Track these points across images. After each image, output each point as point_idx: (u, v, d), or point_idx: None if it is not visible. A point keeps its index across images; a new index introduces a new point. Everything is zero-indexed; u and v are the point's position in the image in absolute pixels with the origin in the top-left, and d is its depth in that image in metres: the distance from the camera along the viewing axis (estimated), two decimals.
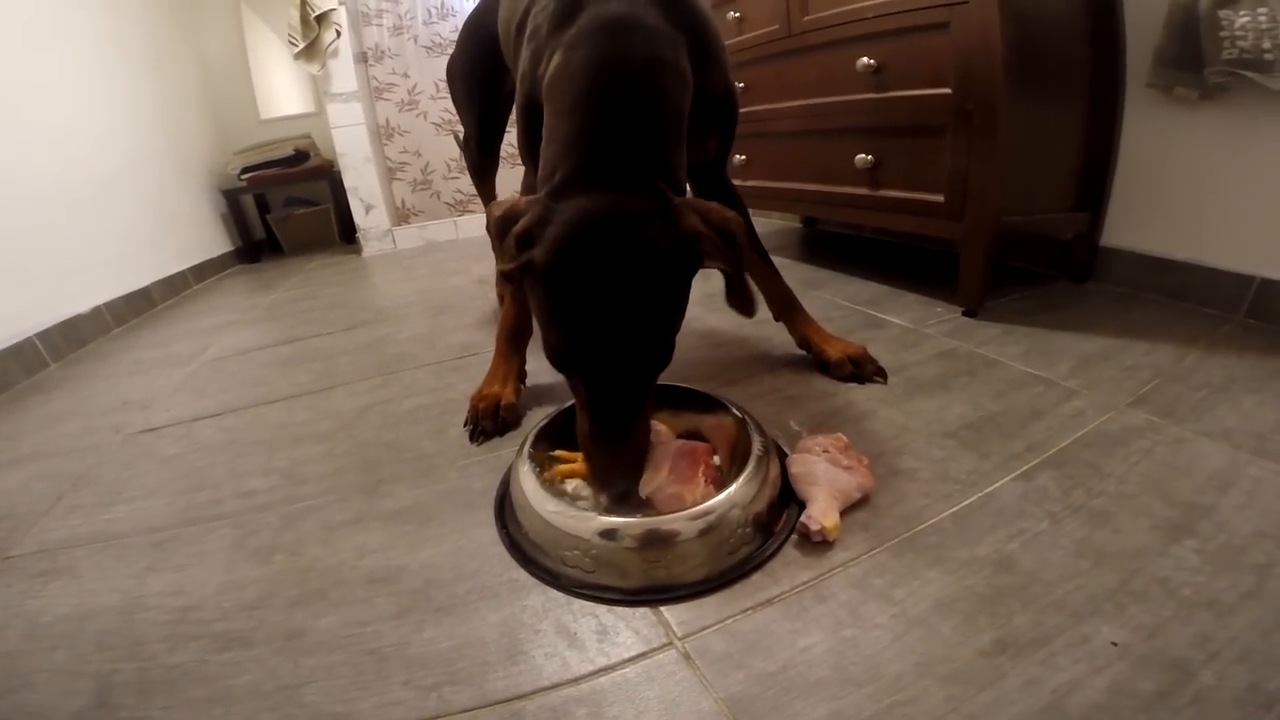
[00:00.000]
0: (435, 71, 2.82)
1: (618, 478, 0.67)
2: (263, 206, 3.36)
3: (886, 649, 0.53)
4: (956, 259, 1.24)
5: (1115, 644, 0.51)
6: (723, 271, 0.68)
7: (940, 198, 1.23)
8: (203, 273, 2.83)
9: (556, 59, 0.73)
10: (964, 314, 1.24)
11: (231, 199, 3.13)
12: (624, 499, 0.68)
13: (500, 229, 0.69)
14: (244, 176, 3.03)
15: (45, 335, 1.78)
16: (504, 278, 0.71)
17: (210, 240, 2.99)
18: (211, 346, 1.76)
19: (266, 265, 3.10)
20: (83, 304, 1.99)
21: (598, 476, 0.69)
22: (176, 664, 0.62)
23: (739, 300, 0.71)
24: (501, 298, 1.44)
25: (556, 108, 0.72)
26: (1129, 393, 0.89)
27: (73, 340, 1.90)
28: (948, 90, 1.16)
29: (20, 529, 0.90)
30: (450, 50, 1.48)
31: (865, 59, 1.30)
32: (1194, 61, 1.07)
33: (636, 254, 0.64)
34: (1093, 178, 1.29)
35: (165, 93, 2.82)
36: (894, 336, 1.17)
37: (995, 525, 0.66)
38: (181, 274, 2.64)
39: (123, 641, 0.65)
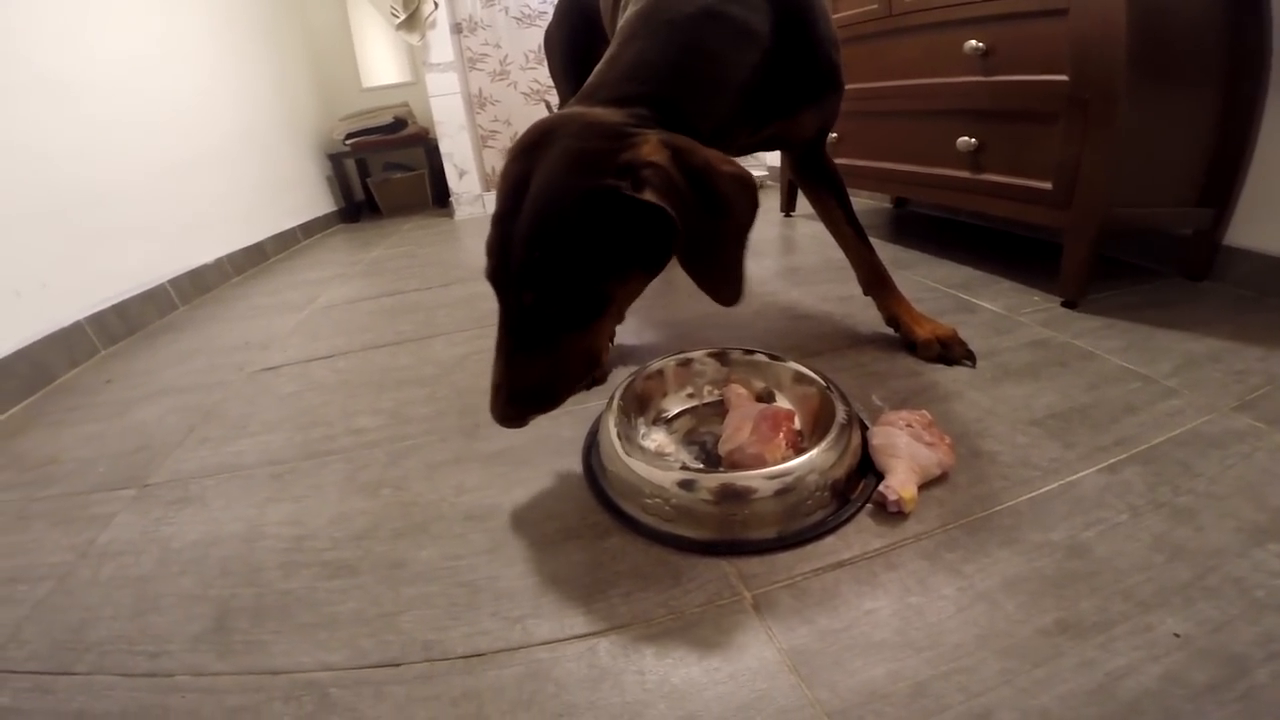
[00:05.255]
0: (525, 42, 2.86)
1: (497, 400, 0.64)
2: (363, 170, 3.54)
3: (950, 619, 0.54)
4: (1058, 248, 1.19)
5: (1177, 635, 0.51)
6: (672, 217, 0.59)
7: (1048, 184, 1.18)
8: (310, 230, 3.03)
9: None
10: (1063, 304, 1.19)
11: (336, 162, 3.32)
12: (503, 424, 0.66)
13: None
14: (348, 141, 3.20)
15: (175, 281, 1.98)
16: None
17: (317, 200, 3.19)
18: (321, 296, 1.90)
19: (365, 225, 3.28)
20: (207, 255, 2.20)
21: (491, 391, 0.66)
22: (289, 590, 0.67)
23: (694, 262, 0.62)
24: None
25: None
26: (1235, 397, 0.84)
27: (199, 286, 2.10)
28: (1063, 77, 1.10)
29: (156, 459, 1.00)
30: (540, 21, 1.50)
31: (973, 42, 1.25)
32: None
33: (554, 162, 0.61)
34: (1221, 172, 1.19)
35: (278, 63, 3.01)
36: (985, 322, 1.14)
37: (1073, 513, 0.65)
38: (291, 230, 2.85)
39: (243, 568, 0.72)
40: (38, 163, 1.56)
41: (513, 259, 0.61)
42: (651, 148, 0.59)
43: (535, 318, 0.63)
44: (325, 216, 3.23)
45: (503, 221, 0.62)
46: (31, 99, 1.58)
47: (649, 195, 0.57)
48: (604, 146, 0.60)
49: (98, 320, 1.63)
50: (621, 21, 0.78)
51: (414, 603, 0.64)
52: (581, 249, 0.60)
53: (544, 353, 0.64)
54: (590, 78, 0.73)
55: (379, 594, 0.65)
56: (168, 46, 2.21)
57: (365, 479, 0.87)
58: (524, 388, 0.65)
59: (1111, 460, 0.73)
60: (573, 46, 1.33)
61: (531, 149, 0.63)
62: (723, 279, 0.65)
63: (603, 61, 0.74)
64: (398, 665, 0.57)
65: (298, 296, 1.93)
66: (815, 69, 0.87)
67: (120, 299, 1.73)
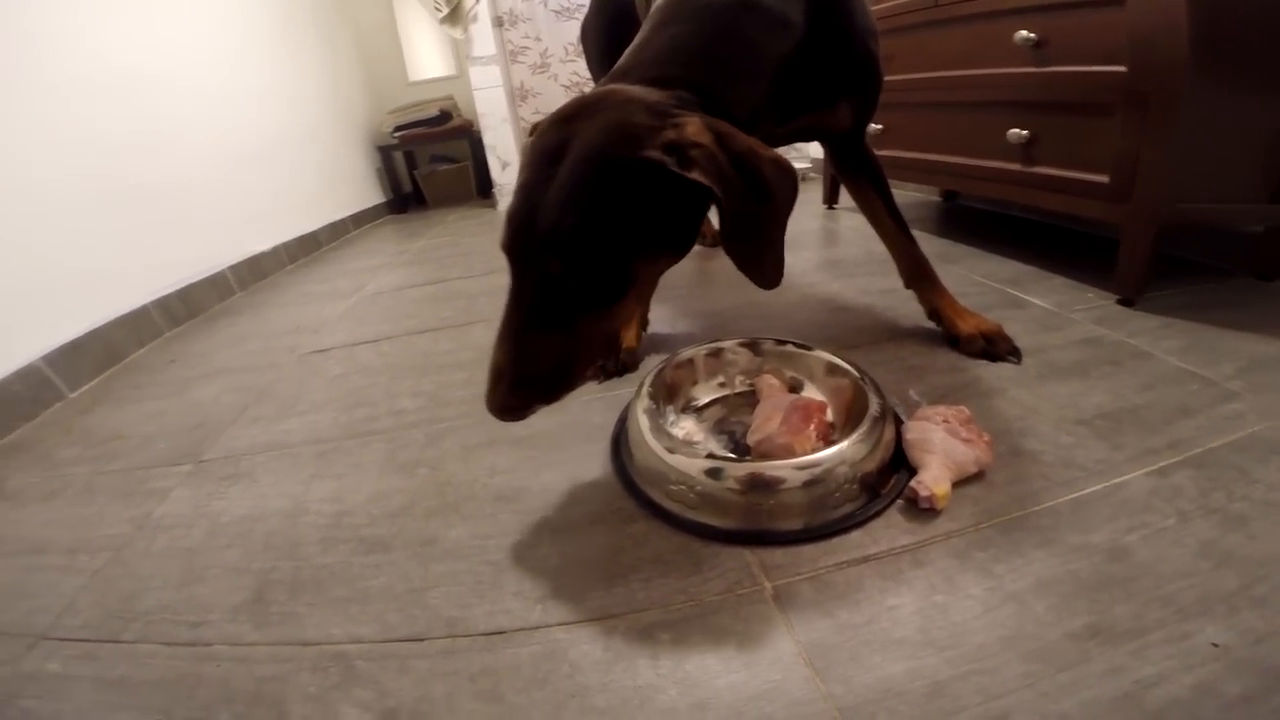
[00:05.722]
0: (564, 35, 2.88)
1: (497, 388, 0.62)
2: (411, 163, 3.62)
3: (975, 619, 0.53)
4: (1116, 243, 1.14)
5: (1216, 645, 0.48)
6: (716, 200, 0.60)
7: (1104, 178, 1.13)
8: (360, 220, 3.13)
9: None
10: (1119, 302, 1.14)
11: (385, 155, 3.41)
12: (501, 415, 0.63)
13: None
14: (396, 134, 3.28)
15: (235, 268, 2.08)
16: None
17: (367, 192, 3.29)
18: (369, 283, 1.96)
19: (412, 216, 3.36)
20: (265, 244, 2.29)
21: (488, 378, 0.63)
22: (326, 564, 0.70)
23: (737, 246, 0.62)
24: None
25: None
26: None
27: (256, 273, 2.19)
28: (1121, 68, 1.05)
29: (211, 436, 1.05)
30: (578, 14, 1.51)
31: (1024, 32, 1.20)
32: None
33: (596, 132, 0.59)
34: None
35: (330, 60, 3.11)
36: (1034, 318, 1.10)
37: (1116, 516, 0.62)
38: (343, 221, 2.94)
39: (284, 543, 0.75)
40: (114, 154, 1.65)
41: (541, 225, 0.58)
42: (696, 129, 0.59)
43: (556, 292, 0.60)
44: (375, 208, 3.32)
45: (531, 189, 0.60)
46: (109, 94, 1.67)
47: (696, 174, 0.57)
48: (648, 123, 0.59)
49: (163, 304, 1.72)
50: (652, 8, 0.77)
51: (442, 579, 0.66)
52: (618, 219, 0.59)
53: (559, 333, 0.61)
54: (621, 60, 0.72)
55: (409, 570, 0.68)
56: (230, 43, 2.31)
57: (404, 459, 0.89)
58: (532, 373, 0.62)
59: (1162, 463, 0.70)
60: (609, 37, 1.33)
61: (568, 121, 0.62)
62: (763, 263, 0.65)
63: (634, 44, 0.74)
64: (422, 640, 0.58)
65: (347, 284, 2.00)
66: (851, 59, 0.85)
67: (184, 284, 1.82)
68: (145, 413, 1.20)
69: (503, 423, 0.64)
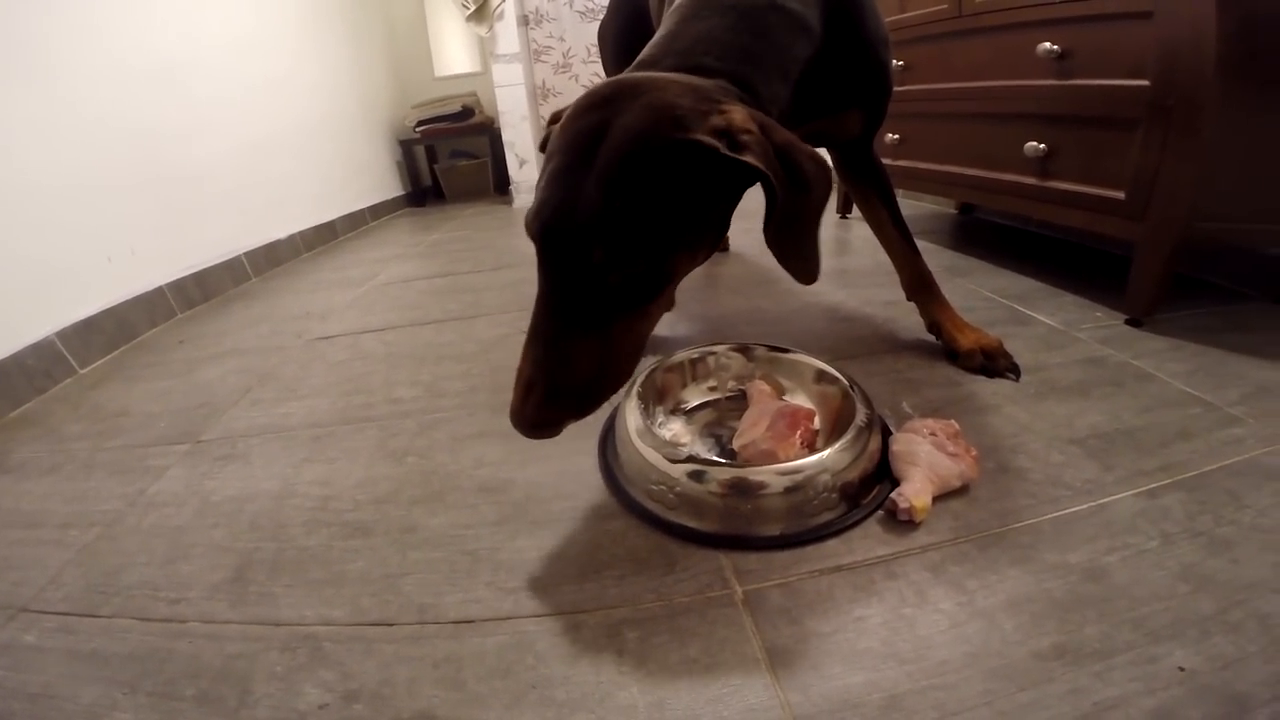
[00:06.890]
0: (587, 36, 2.91)
1: (528, 401, 0.56)
2: (432, 156, 3.65)
3: (941, 634, 0.52)
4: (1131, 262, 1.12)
5: (1182, 669, 0.47)
6: (765, 186, 0.58)
7: (1120, 194, 1.11)
8: (378, 212, 3.16)
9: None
10: (1127, 322, 1.12)
11: (406, 148, 3.44)
12: (531, 432, 0.57)
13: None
14: (418, 129, 3.31)
15: (251, 254, 2.11)
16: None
17: (387, 184, 3.32)
18: (380, 274, 1.99)
19: (430, 210, 3.39)
20: (282, 231, 2.32)
21: (515, 390, 0.57)
22: (307, 547, 0.71)
23: (779, 239, 0.60)
24: None
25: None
26: None
27: (272, 260, 2.22)
28: (1145, 83, 1.03)
29: (213, 416, 1.07)
30: (602, 16, 1.53)
31: (1047, 44, 1.19)
32: None
33: (640, 113, 0.56)
34: None
35: (358, 52, 3.14)
36: (1038, 335, 1.09)
37: (1098, 536, 0.61)
38: (361, 212, 2.98)
39: (270, 524, 0.75)
40: (146, 140, 1.69)
41: (583, 210, 0.54)
42: (743, 117, 0.57)
43: (593, 289, 0.56)
44: (393, 200, 3.36)
45: (567, 174, 0.56)
46: (145, 80, 1.71)
47: (748, 157, 0.55)
48: (695, 107, 0.57)
49: (178, 286, 1.75)
50: (672, 6, 0.77)
51: (418, 566, 0.66)
52: (664, 205, 0.55)
53: (595, 337, 0.57)
54: (646, 50, 0.71)
55: (387, 556, 0.68)
56: (261, 31, 2.35)
57: (394, 446, 0.90)
58: (566, 383, 0.56)
59: (1152, 485, 0.68)
60: (626, 39, 1.34)
61: (604, 104, 0.58)
62: (804, 256, 0.64)
63: (660, 36, 0.73)
64: (392, 625, 0.59)
65: (360, 273, 2.03)
66: (863, 67, 0.85)
67: (200, 268, 1.85)
68: (151, 391, 1.22)
69: (530, 438, 0.59)
